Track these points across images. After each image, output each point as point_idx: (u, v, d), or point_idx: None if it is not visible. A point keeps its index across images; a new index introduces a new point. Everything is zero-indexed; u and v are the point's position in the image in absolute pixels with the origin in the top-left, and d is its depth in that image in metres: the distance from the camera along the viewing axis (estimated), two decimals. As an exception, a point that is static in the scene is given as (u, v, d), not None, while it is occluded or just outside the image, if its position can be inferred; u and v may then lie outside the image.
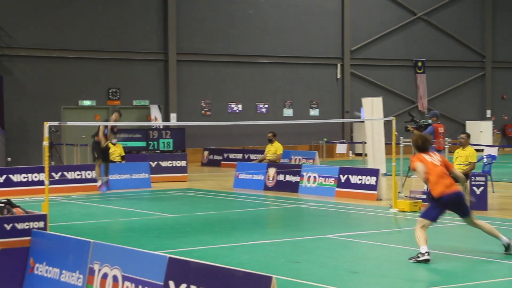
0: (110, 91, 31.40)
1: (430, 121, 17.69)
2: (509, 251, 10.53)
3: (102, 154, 18.38)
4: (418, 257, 10.10)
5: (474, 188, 15.56)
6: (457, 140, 16.59)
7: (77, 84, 30.73)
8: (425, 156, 10.67)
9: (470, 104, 40.73)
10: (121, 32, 31.53)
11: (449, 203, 10.49)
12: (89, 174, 20.98)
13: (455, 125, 38.78)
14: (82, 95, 30.89)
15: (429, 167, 10.50)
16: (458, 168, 15.96)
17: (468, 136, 16.31)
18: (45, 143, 11.93)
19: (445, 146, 16.09)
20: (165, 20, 32.36)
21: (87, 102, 31.01)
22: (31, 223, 8.50)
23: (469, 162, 15.92)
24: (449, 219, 14.53)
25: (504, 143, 40.14)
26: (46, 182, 11.86)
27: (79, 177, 20.89)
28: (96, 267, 7.63)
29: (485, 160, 19.74)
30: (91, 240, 7.94)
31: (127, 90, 31.71)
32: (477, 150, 25.83)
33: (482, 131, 38.12)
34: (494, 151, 22.36)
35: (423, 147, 10.82)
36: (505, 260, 10.30)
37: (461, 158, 16.04)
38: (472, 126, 38.96)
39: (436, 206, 10.50)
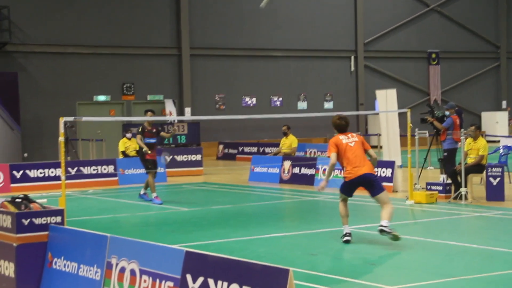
0: (125, 86, 31.48)
1: (447, 113, 17.57)
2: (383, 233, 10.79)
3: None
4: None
5: (491, 179, 15.49)
6: (467, 132, 16.44)
7: (91, 80, 30.83)
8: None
9: (485, 95, 40.53)
10: (135, 27, 31.59)
11: None
12: (105, 169, 21.06)
13: (471, 116, 38.60)
14: (96, 90, 30.98)
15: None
16: (470, 161, 15.89)
17: (478, 127, 16.17)
18: (61, 139, 11.99)
19: (461, 138, 15.98)
20: (178, 15, 32.38)
21: (101, 97, 31.11)
22: (48, 218, 8.54)
23: (478, 156, 15.79)
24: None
25: (520, 134, 39.93)
26: (63, 177, 11.93)
27: (95, 172, 20.98)
28: (113, 261, 7.66)
29: (501, 151, 19.62)
30: (108, 235, 7.96)
31: (141, 84, 31.78)
32: (493, 141, 25.78)
33: (498, 122, 37.96)
34: (510, 141, 22.25)
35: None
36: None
37: (474, 151, 15.91)
38: (487, 117, 38.81)
39: None
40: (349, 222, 11.22)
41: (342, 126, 11.22)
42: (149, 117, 16.62)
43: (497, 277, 8.82)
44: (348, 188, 11.21)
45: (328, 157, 11.25)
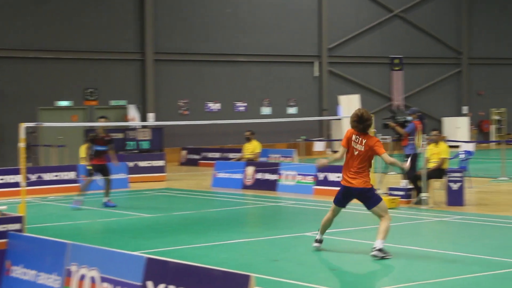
0: (87, 91, 31.24)
1: (409, 118, 17.73)
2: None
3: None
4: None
5: (451, 184, 15.65)
6: (429, 137, 16.67)
7: (53, 85, 30.53)
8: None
9: (447, 101, 40.98)
10: (98, 32, 31.37)
11: None
12: (66, 175, 20.85)
13: (432, 121, 38.99)
14: (58, 95, 30.69)
15: None
16: (432, 165, 16.04)
17: (440, 133, 16.40)
18: (21, 145, 11.86)
19: (423, 143, 16.14)
20: (142, 20, 32.24)
21: (63, 103, 30.82)
22: (7, 225, 8.43)
23: (440, 158, 15.99)
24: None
25: (480, 139, 40.43)
26: (23, 184, 11.78)
27: (56, 178, 20.76)
28: (73, 268, 7.59)
29: (462, 156, 19.85)
30: (68, 242, 7.89)
31: (104, 90, 31.56)
32: (454, 146, 26.07)
33: (459, 127, 38.37)
34: (470, 147, 22.49)
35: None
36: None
37: (435, 156, 16.11)
38: (449, 123, 39.22)
39: None
40: (313, 228, 11.22)
41: (356, 128, 10.42)
42: (103, 123, 16.73)
43: (457, 281, 8.90)
44: (340, 196, 10.61)
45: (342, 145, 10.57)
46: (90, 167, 16.77)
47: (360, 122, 10.40)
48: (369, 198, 10.50)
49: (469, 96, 41.64)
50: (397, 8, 39.06)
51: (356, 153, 10.41)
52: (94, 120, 30.63)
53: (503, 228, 13.18)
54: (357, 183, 10.38)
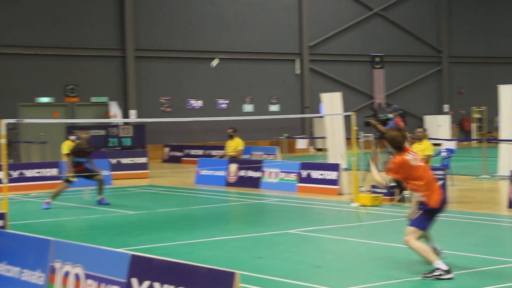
0: (68, 88, 31.08)
1: (390, 116, 17.78)
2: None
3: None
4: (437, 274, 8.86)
5: (434, 181, 15.69)
6: (414, 135, 16.76)
7: (34, 81, 30.35)
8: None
9: (428, 99, 41.17)
10: (79, 28, 31.21)
11: None
12: (48, 172, 20.75)
13: (413, 119, 39.16)
14: (39, 92, 30.51)
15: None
16: (416, 162, 16.09)
17: (425, 130, 16.48)
18: (3, 141, 11.77)
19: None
20: (122, 16, 32.11)
21: (44, 99, 30.65)
22: (-10, 222, 8.37)
23: (425, 155, 16.08)
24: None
25: (461, 137, 40.66)
26: (5, 180, 11.71)
27: (38, 175, 20.66)
28: (57, 265, 7.54)
29: (443, 154, 19.93)
30: (52, 238, 7.84)
31: (85, 86, 31.41)
32: (436, 144, 26.24)
33: (440, 125, 38.56)
34: (452, 145, 22.64)
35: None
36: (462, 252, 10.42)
37: (419, 153, 16.17)
38: (430, 121, 39.39)
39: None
40: (296, 225, 11.21)
41: (398, 150, 9.14)
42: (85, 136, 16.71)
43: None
44: (430, 220, 9.21)
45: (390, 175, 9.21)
46: (70, 176, 16.57)
47: (405, 136, 9.28)
48: None
49: (450, 94, 41.86)
50: (377, 7, 39.17)
51: (422, 164, 9.34)
52: (75, 117, 30.48)
53: (485, 226, 13.26)
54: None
